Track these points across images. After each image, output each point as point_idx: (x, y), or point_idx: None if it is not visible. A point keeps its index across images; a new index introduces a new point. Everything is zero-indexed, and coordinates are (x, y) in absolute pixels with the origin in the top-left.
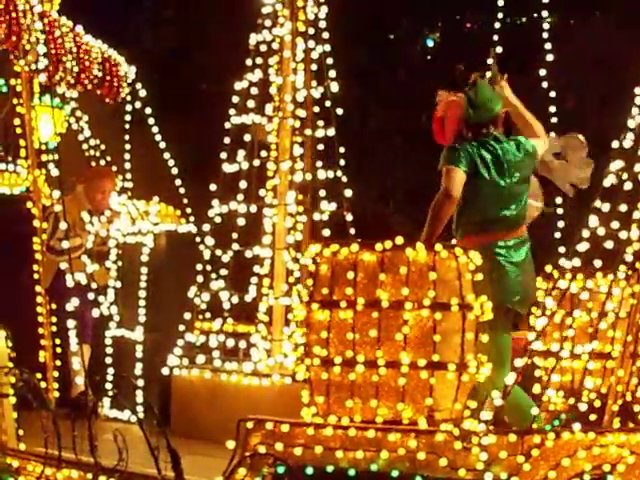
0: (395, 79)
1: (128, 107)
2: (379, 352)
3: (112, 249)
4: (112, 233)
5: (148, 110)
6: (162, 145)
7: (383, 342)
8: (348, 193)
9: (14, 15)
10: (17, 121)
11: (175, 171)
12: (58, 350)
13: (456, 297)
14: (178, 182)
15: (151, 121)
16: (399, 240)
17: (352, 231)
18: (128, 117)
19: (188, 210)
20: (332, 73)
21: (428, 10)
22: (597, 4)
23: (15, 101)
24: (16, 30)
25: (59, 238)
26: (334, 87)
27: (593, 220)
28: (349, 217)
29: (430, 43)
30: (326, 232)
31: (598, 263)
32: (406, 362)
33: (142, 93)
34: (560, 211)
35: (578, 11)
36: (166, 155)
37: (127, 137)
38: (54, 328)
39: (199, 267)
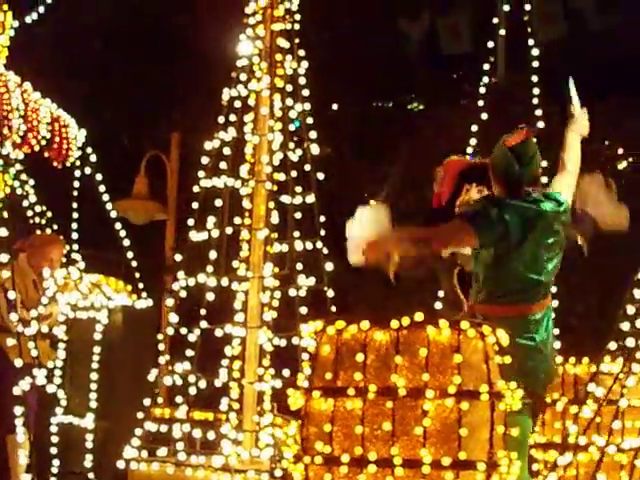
0: None
1: (77, 172)
2: (394, 449)
3: (60, 325)
4: (60, 307)
5: (99, 176)
6: (113, 214)
7: (399, 437)
8: (329, 267)
9: None
10: None
11: (127, 242)
12: None
13: (485, 384)
14: (130, 254)
15: (102, 188)
16: (418, 316)
17: (333, 309)
18: (77, 183)
19: (141, 285)
20: (312, 134)
21: None
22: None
23: None
24: None
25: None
26: (314, 149)
27: None
28: (330, 293)
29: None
30: (303, 309)
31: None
32: (427, 461)
33: (93, 158)
34: None
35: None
36: (117, 225)
37: (75, 205)
38: None
39: (161, 347)
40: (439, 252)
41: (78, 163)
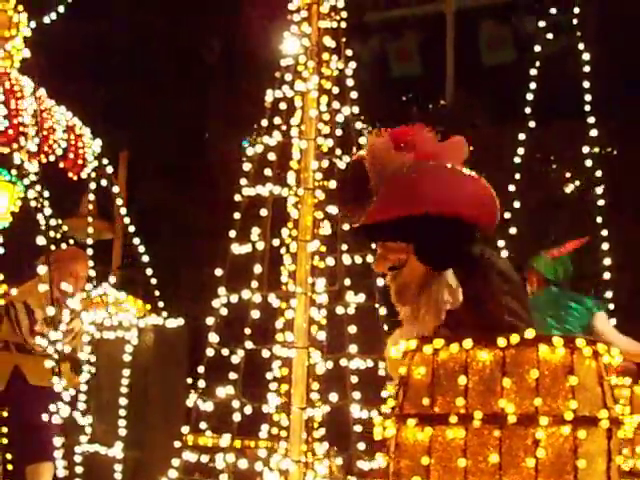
0: None
1: (92, 185)
2: None
3: (85, 346)
4: (85, 327)
5: (115, 189)
6: (132, 229)
7: (507, 470)
8: (380, 282)
9: None
10: None
11: (146, 258)
12: (9, 467)
13: (603, 408)
14: (149, 271)
15: (119, 202)
16: (530, 333)
17: (385, 328)
18: (92, 196)
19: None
20: (362, 139)
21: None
22: None
23: None
24: None
25: (39, 332)
26: None
27: None
28: (382, 311)
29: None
30: (352, 329)
31: None
32: None
33: (109, 170)
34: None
35: None
36: (136, 240)
37: (90, 219)
38: (4, 440)
39: (201, 369)
40: None
41: (93, 175)
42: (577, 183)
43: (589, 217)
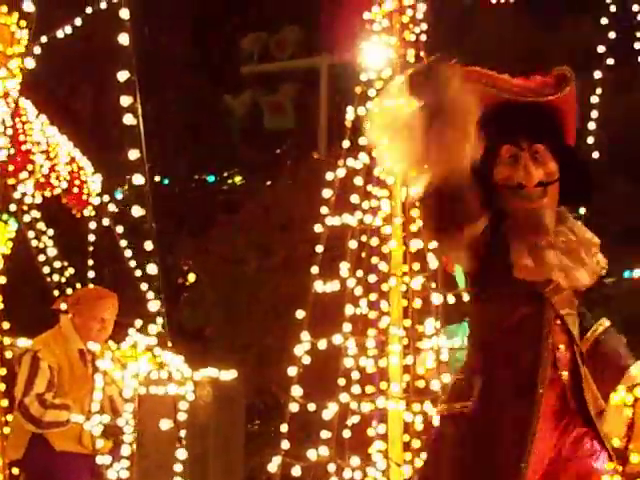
0: None
1: (92, 224)
2: None
3: (127, 403)
4: (127, 381)
5: (119, 229)
6: (138, 273)
7: None
8: None
9: None
10: None
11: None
12: None
13: None
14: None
15: (123, 243)
16: None
17: None
18: (92, 237)
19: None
20: None
21: None
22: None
23: None
24: None
25: (39, 394)
26: None
27: None
28: None
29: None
30: None
31: None
32: None
33: (111, 207)
34: None
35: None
36: (143, 286)
37: (91, 262)
38: None
39: (284, 428)
40: None
41: (93, 213)
42: None
43: None
